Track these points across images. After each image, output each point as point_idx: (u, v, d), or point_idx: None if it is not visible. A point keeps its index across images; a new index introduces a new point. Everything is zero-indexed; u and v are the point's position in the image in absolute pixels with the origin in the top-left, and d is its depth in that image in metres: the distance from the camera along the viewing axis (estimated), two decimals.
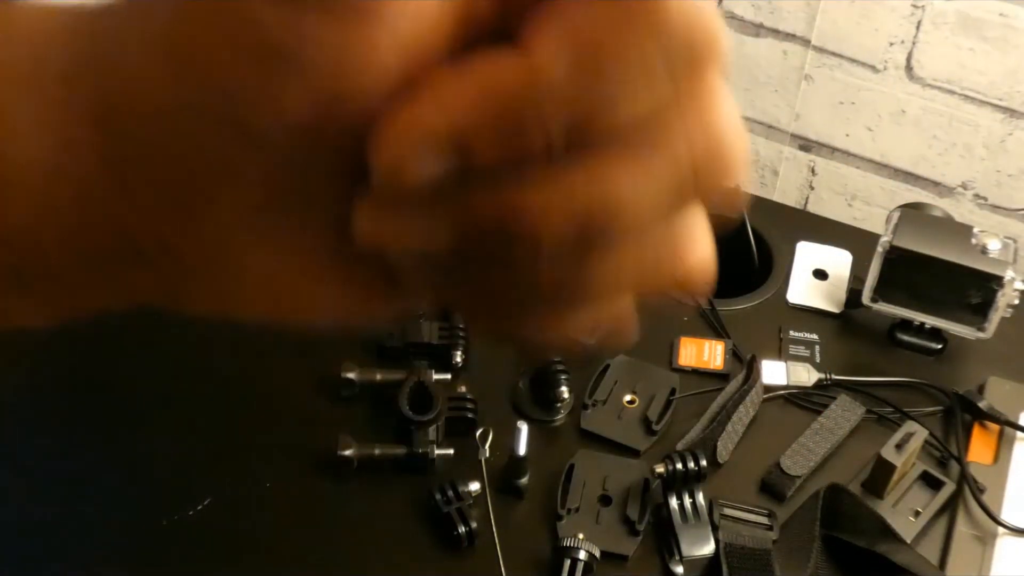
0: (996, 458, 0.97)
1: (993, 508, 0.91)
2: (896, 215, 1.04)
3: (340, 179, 0.24)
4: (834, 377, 1.02)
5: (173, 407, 0.98)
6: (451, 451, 0.93)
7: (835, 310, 1.10)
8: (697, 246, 0.26)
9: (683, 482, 0.89)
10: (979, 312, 1.01)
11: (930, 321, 1.04)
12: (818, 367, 1.03)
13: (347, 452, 0.91)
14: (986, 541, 0.90)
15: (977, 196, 1.22)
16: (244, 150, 0.24)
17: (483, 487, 0.91)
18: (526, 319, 0.27)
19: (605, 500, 0.92)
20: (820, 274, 1.14)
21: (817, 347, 1.06)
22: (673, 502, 0.89)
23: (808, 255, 1.16)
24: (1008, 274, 0.99)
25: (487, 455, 0.94)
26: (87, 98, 0.25)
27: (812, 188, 1.30)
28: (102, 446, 0.95)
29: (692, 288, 0.27)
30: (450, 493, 0.89)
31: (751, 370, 1.01)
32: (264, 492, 0.92)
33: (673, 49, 0.22)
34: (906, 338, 1.06)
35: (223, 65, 0.23)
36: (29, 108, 0.25)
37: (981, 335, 1.03)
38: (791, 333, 1.07)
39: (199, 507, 0.90)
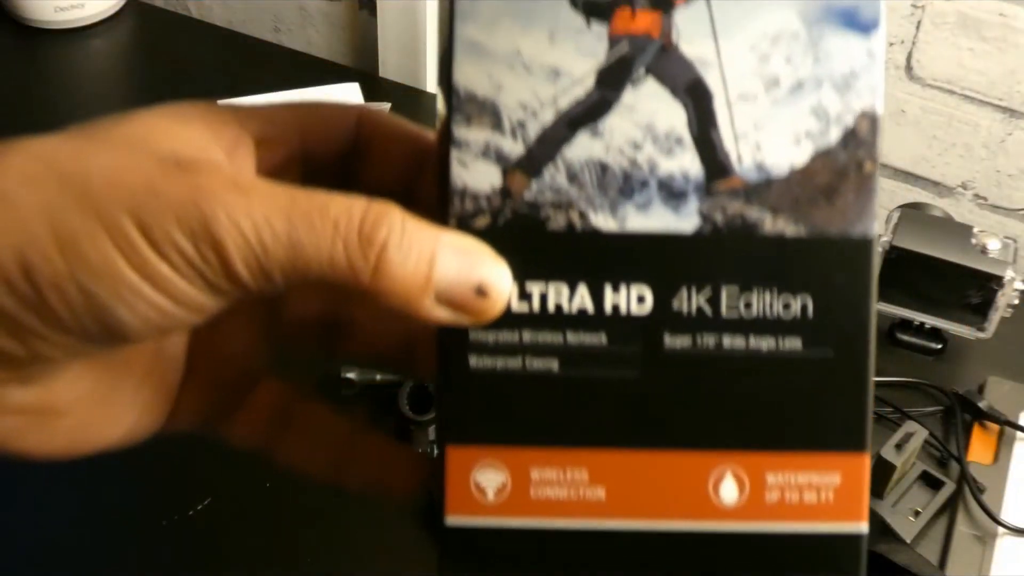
0: (996, 458, 0.97)
1: (993, 508, 0.91)
2: (896, 215, 1.04)
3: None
4: None
5: None
6: None
7: None
8: None
9: None
10: (979, 312, 1.02)
11: (930, 321, 1.04)
12: None
13: None
14: (986, 541, 0.90)
15: (977, 196, 1.22)
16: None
17: None
18: None
19: None
20: None
21: None
22: None
23: None
24: (1008, 274, 0.99)
25: None
26: None
27: None
28: None
29: None
30: None
31: None
32: (264, 492, 0.92)
33: None
34: (906, 338, 1.07)
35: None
36: None
37: (981, 335, 1.03)
38: None
39: (199, 507, 0.90)
